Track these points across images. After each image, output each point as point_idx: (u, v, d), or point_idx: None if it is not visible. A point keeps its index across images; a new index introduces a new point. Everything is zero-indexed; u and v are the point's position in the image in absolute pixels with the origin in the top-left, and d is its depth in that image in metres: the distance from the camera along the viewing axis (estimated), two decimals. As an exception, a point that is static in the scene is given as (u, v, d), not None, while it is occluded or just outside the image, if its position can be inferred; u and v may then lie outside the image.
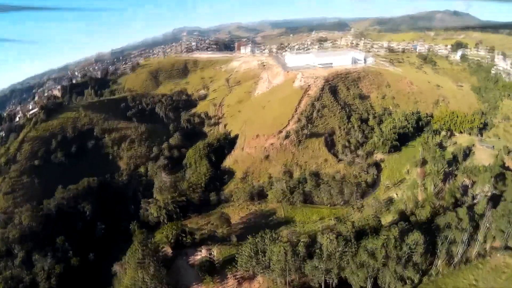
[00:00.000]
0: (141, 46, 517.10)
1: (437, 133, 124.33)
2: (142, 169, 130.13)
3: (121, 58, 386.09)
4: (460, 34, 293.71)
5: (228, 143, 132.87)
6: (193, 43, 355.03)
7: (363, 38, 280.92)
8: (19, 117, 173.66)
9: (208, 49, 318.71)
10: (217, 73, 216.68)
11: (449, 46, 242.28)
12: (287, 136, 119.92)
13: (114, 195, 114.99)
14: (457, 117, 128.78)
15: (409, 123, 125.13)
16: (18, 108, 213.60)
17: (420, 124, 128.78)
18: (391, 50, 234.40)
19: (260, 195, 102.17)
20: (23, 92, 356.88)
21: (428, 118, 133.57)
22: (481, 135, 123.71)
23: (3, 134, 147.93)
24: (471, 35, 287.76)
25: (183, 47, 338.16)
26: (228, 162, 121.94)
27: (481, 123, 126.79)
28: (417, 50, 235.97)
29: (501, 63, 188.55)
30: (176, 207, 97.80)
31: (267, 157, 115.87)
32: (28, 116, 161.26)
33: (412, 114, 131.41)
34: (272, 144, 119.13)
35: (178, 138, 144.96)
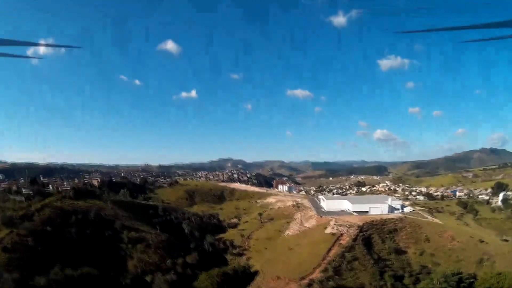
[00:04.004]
0: (187, 168, 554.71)
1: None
2: (148, 278, 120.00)
3: (165, 173, 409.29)
4: (499, 174, 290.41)
5: (245, 278, 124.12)
6: (235, 175, 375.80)
7: (401, 184, 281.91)
8: (51, 187, 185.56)
9: (249, 182, 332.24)
10: (252, 206, 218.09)
11: (489, 190, 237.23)
12: (309, 285, 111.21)
13: None
14: (505, 279, 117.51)
15: (449, 285, 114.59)
16: (57, 181, 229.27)
17: (462, 286, 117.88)
18: (429, 196, 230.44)
19: None
20: (71, 172, 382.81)
21: (472, 280, 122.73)
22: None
23: (31, 194, 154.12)
24: (510, 172, 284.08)
25: (225, 176, 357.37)
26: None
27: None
28: (457, 196, 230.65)
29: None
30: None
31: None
32: (59, 189, 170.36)
33: (453, 276, 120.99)
34: None
35: (196, 258, 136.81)
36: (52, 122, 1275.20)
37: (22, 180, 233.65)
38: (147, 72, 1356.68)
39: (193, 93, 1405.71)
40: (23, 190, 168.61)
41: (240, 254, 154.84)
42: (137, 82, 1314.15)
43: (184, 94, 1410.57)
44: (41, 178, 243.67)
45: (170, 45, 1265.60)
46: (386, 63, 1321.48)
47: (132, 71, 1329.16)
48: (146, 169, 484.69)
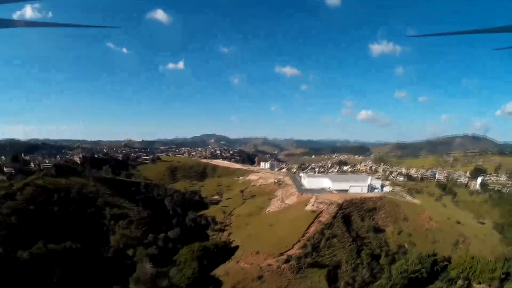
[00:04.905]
0: (170, 143, 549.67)
1: (453, 282, 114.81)
2: (130, 251, 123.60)
3: (148, 149, 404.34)
4: (479, 159, 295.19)
5: (225, 252, 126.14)
6: (218, 151, 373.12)
7: (382, 164, 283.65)
8: (32, 165, 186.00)
9: (231, 159, 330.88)
10: (234, 183, 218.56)
11: (468, 173, 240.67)
12: (287, 261, 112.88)
13: (91, 269, 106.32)
14: (478, 263, 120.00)
15: (423, 267, 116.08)
16: (39, 158, 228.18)
17: (436, 269, 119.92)
18: (410, 177, 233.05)
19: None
20: (53, 148, 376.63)
21: (445, 263, 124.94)
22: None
23: (13, 172, 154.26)
24: (490, 158, 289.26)
25: (207, 153, 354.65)
26: (218, 272, 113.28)
27: (503, 273, 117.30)
28: (436, 178, 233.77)
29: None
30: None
31: (260, 277, 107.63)
32: (41, 167, 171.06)
33: (428, 257, 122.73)
34: (269, 265, 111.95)
35: (178, 233, 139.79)
36: (33, 95, 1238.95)
37: (3, 158, 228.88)
38: (135, 41, 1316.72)
39: (181, 65, 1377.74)
40: (5, 169, 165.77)
41: (221, 230, 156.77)
42: (124, 50, 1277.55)
43: (171, 65, 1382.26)
44: (22, 155, 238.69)
45: (160, 15, 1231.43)
46: (377, 47, 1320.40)
47: (120, 38, 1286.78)
48: (129, 144, 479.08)
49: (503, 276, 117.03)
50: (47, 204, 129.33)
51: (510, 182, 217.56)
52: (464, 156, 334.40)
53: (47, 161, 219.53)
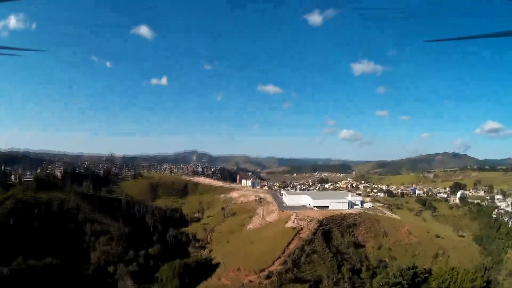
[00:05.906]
0: (152, 159, 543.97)
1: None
2: (111, 269, 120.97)
3: (130, 165, 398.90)
4: (459, 175, 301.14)
5: (206, 269, 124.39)
6: (200, 168, 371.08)
7: (363, 181, 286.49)
8: (13, 178, 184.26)
9: (213, 176, 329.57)
10: (215, 200, 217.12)
11: (448, 189, 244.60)
12: (268, 277, 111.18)
13: (71, 286, 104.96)
14: (458, 274, 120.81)
15: (404, 280, 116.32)
16: (20, 170, 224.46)
17: (416, 280, 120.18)
18: (390, 193, 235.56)
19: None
20: (33, 160, 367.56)
21: (426, 274, 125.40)
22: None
23: None
24: (469, 174, 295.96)
25: (189, 170, 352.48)
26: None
27: (484, 282, 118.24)
28: (416, 194, 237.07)
29: (502, 204, 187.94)
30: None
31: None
32: (21, 180, 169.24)
33: (408, 270, 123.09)
34: (251, 281, 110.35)
35: (158, 249, 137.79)
36: (15, 103, 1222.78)
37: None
38: (119, 55, 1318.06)
39: (164, 80, 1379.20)
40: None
41: (202, 247, 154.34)
42: (108, 64, 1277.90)
43: (154, 80, 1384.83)
44: (3, 167, 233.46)
45: (144, 30, 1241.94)
46: (359, 66, 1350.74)
47: (104, 52, 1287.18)
48: (111, 159, 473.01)
49: (483, 284, 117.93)
50: (28, 219, 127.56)
51: (488, 196, 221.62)
52: (444, 172, 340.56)
53: (28, 173, 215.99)
